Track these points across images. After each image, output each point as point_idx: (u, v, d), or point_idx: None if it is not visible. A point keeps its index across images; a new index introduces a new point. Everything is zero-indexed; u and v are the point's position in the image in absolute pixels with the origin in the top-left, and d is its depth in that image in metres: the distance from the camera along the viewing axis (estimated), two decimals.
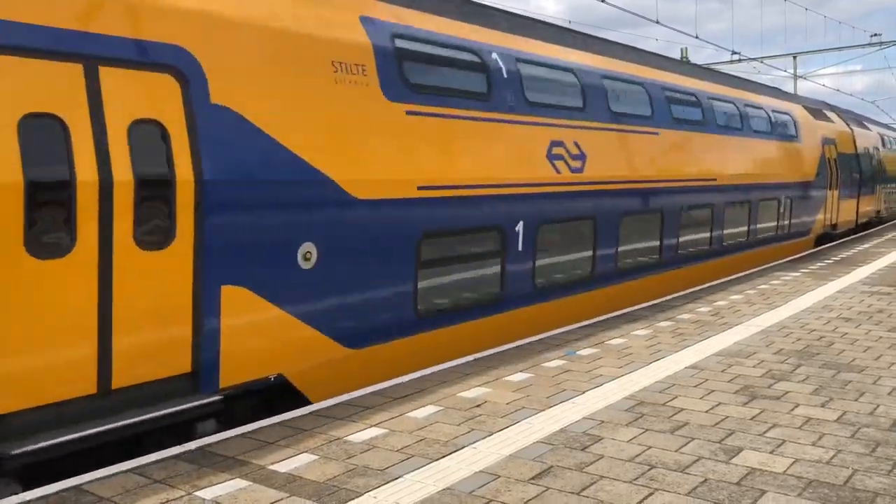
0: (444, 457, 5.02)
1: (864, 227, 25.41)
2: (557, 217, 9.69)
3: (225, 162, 6.00)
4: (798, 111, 19.66)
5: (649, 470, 4.79)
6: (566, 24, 20.09)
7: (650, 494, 4.42)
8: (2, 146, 4.82)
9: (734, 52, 37.35)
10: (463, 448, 5.17)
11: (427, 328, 7.88)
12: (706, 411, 5.95)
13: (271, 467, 4.86)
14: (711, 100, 14.49)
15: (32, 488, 4.71)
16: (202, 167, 5.83)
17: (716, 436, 5.40)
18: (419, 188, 7.64)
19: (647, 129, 11.82)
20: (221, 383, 6.02)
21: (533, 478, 4.67)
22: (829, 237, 20.84)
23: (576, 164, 9.97)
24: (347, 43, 7.19)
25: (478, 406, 6.10)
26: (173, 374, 5.75)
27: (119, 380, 5.43)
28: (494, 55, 9.05)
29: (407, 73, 7.76)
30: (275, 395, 6.61)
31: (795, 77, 42.90)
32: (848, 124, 23.86)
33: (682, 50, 37.24)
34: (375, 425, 5.63)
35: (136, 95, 5.54)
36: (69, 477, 4.86)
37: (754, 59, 37.35)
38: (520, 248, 9.04)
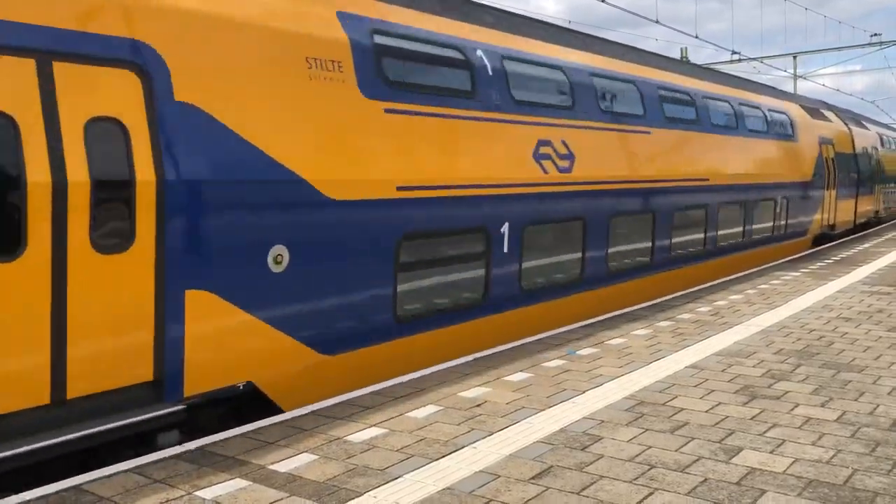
0: (444, 456, 5.02)
1: (862, 228, 25.23)
2: (545, 218, 9.49)
3: (189, 162, 5.78)
4: (795, 110, 19.43)
5: (649, 470, 4.79)
6: (566, 24, 20.02)
7: (650, 494, 4.42)
8: None
9: (734, 52, 37.38)
10: (463, 448, 5.17)
11: (408, 333, 7.66)
12: (706, 411, 5.95)
13: (271, 467, 4.86)
14: (705, 98, 14.26)
15: None
16: (164, 167, 5.60)
17: (716, 435, 5.40)
18: (399, 189, 7.40)
19: (638, 128, 11.61)
20: (186, 392, 5.78)
21: (533, 477, 4.67)
22: (827, 238, 20.70)
23: (564, 163, 9.75)
24: (323, 39, 6.96)
25: (478, 406, 6.10)
26: (134, 383, 5.52)
27: (75, 389, 5.21)
28: (479, 52, 8.83)
29: (386, 71, 7.55)
30: (244, 403, 6.39)
31: (795, 77, 42.91)
32: (846, 124, 23.69)
33: (681, 50, 37.24)
34: (375, 425, 5.63)
35: (93, 92, 5.30)
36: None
37: (754, 59, 37.36)
38: (505, 249, 8.83)
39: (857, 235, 22.61)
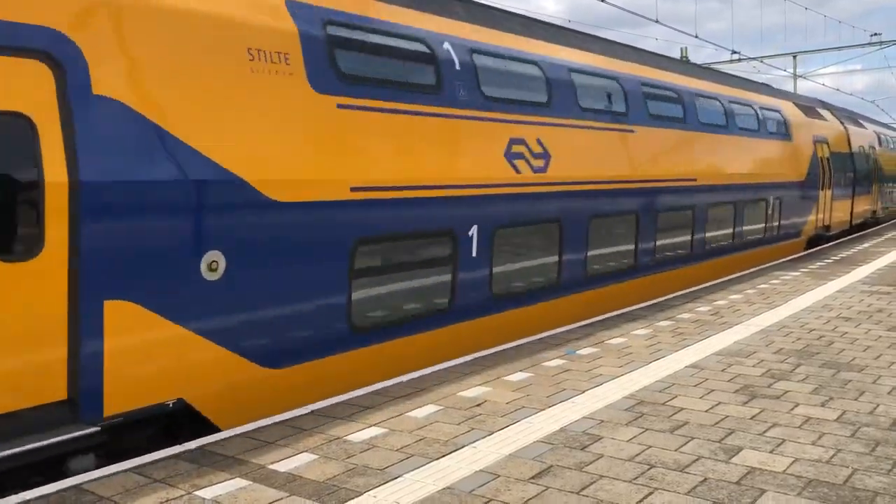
0: (443, 456, 5.02)
1: (859, 228, 24.94)
2: (517, 220, 9.05)
3: (109, 161, 5.30)
4: (788, 108, 18.99)
5: (649, 469, 4.79)
6: (566, 24, 19.91)
7: (650, 494, 4.42)
8: None
9: (734, 52, 37.38)
10: (463, 447, 5.17)
11: (365, 343, 7.22)
12: (706, 411, 5.95)
13: (271, 467, 4.86)
14: (694, 96, 13.82)
15: None
16: (79, 167, 5.13)
17: (715, 435, 5.40)
18: (353, 189, 6.94)
19: (620, 126, 11.17)
20: (106, 411, 5.32)
21: (533, 477, 4.68)
22: (822, 239, 20.42)
23: (538, 163, 9.32)
24: (267, 28, 6.48)
25: (478, 405, 6.10)
26: (44, 403, 5.04)
27: None
28: (446, 45, 8.34)
29: (340, 63, 7.06)
30: (176, 422, 5.95)
31: (795, 76, 42.91)
32: (842, 122, 23.38)
33: (681, 49, 37.23)
34: (375, 425, 5.63)
35: None
36: None
37: (754, 59, 37.36)
38: (474, 254, 8.36)
39: (853, 236, 22.38)
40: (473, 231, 8.33)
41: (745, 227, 15.57)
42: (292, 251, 6.49)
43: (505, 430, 5.53)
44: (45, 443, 4.90)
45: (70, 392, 5.17)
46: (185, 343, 5.78)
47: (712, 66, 34.22)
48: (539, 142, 9.36)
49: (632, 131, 11.41)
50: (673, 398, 6.29)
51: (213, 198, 5.90)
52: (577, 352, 7.86)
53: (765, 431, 5.47)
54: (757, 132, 16.28)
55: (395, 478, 4.67)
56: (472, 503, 4.32)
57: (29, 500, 4.37)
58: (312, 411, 5.97)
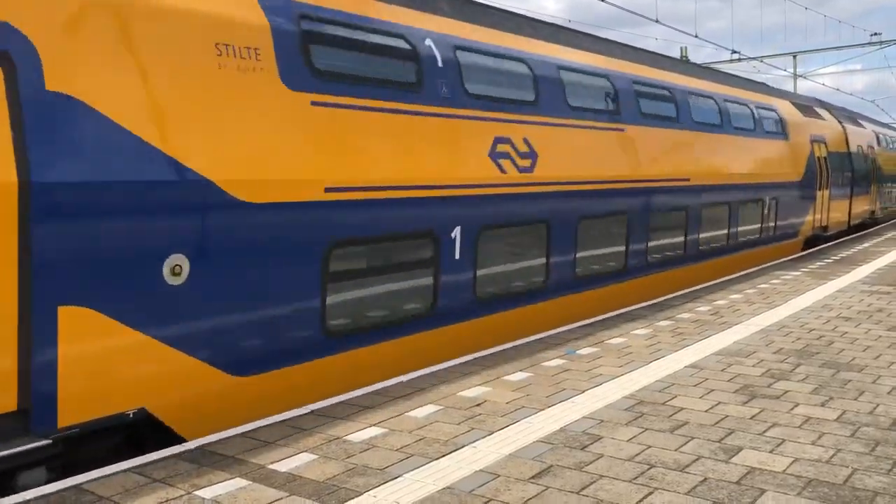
0: (443, 456, 5.02)
1: (858, 229, 24.71)
2: (503, 221, 8.79)
3: (64, 160, 5.07)
4: (785, 107, 18.66)
5: (649, 469, 4.79)
6: (566, 24, 19.86)
7: (650, 493, 4.42)
8: None
9: (734, 52, 37.39)
10: (463, 447, 5.17)
11: (340, 349, 6.97)
12: (706, 410, 5.95)
13: (271, 466, 4.86)
14: (687, 94, 13.55)
15: None
16: (31, 167, 4.90)
17: (715, 435, 5.40)
18: (327, 190, 6.70)
19: (610, 125, 10.92)
20: (61, 422, 5.09)
21: (533, 477, 4.68)
22: (820, 239, 20.21)
23: (525, 163, 9.09)
24: (237, 23, 6.22)
25: (477, 405, 6.10)
26: None
27: None
28: (428, 41, 8.09)
29: (314, 59, 6.82)
30: (137, 433, 5.73)
31: (795, 76, 42.91)
32: (840, 122, 23.15)
33: (681, 49, 37.22)
34: (375, 424, 5.63)
35: None
36: None
37: (754, 59, 37.36)
38: (457, 256, 8.12)
39: (851, 237, 22.18)
40: (456, 233, 8.11)
41: (740, 228, 15.33)
42: (261, 254, 6.23)
43: (505, 429, 5.53)
44: None
45: (21, 403, 4.94)
46: (147, 350, 5.53)
47: (712, 65, 34.21)
48: (526, 141, 9.16)
49: (622, 130, 11.17)
50: (673, 398, 6.29)
51: (176, 199, 5.64)
52: (577, 352, 7.86)
53: (765, 431, 5.47)
54: (752, 131, 16.04)
55: (395, 478, 4.67)
56: (472, 503, 4.32)
57: (29, 500, 4.37)
58: (312, 411, 5.97)
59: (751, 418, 5.76)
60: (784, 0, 36.45)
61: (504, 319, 8.97)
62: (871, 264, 15.28)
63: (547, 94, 9.73)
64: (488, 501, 4.34)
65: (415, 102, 7.75)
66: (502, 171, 8.74)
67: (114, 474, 4.72)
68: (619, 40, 13.39)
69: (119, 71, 5.43)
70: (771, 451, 5.08)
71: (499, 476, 4.69)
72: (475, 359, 7.57)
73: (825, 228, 20.59)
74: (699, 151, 13.54)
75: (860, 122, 27.20)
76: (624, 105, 11.40)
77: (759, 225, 16.23)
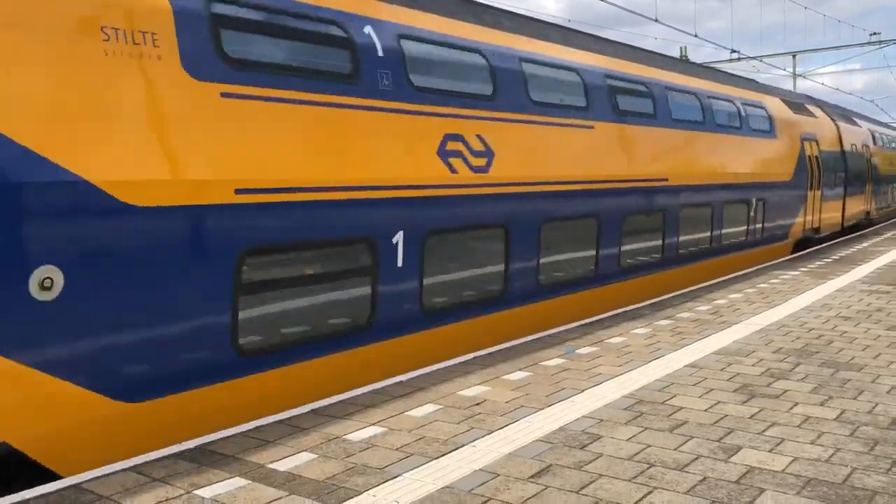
0: (443, 455, 5.02)
1: (852, 230, 24.16)
2: (454, 225, 8.13)
3: None
4: (774, 104, 17.94)
5: (648, 468, 4.79)
6: (565, 23, 19.81)
7: (649, 493, 4.42)
8: None
9: (733, 51, 37.44)
10: (462, 446, 5.17)
11: (255, 369, 6.31)
12: (705, 410, 5.96)
13: (270, 466, 4.86)
14: (665, 90, 12.82)
15: None
16: None
17: (715, 434, 5.40)
18: (238, 192, 6.02)
19: (578, 121, 10.21)
20: None
21: (532, 476, 4.68)
22: (811, 241, 19.60)
23: (479, 162, 8.42)
24: (129, 4, 5.56)
25: (477, 405, 6.10)
26: None
27: None
28: (367, 29, 7.41)
29: (226, 46, 6.15)
30: (3, 469, 5.07)
31: (795, 76, 42.93)
32: (833, 120, 22.57)
33: (681, 48, 37.27)
34: (374, 424, 5.63)
35: None
36: None
37: (753, 58, 37.39)
38: (399, 264, 7.47)
39: (845, 238, 21.74)
40: (398, 238, 7.45)
41: (723, 231, 14.67)
42: (155, 264, 5.54)
43: (504, 429, 5.53)
44: None
45: None
46: (10, 376, 4.85)
47: (711, 65, 34.21)
48: (480, 138, 8.49)
49: (591, 128, 10.48)
50: (672, 397, 6.29)
51: (45, 203, 4.96)
52: (577, 351, 7.86)
53: (764, 431, 5.48)
54: (738, 129, 15.39)
55: (395, 477, 4.67)
56: (472, 502, 4.32)
57: (28, 500, 4.37)
58: (312, 410, 5.97)
59: (750, 418, 5.77)
60: (783, 0, 36.51)
61: (456, 331, 8.33)
62: (871, 264, 15.28)
63: (506, 89, 9.06)
64: (488, 500, 4.34)
65: (349, 95, 7.06)
66: (453, 170, 8.09)
67: (113, 473, 4.73)
68: (618, 40, 13.12)
69: None
70: (770, 451, 5.08)
71: (498, 475, 4.69)
72: (475, 358, 7.57)
73: (817, 230, 20.11)
74: (678, 150, 12.90)
75: (855, 120, 26.66)
76: (594, 101, 10.71)
77: (744, 227, 15.62)
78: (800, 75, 44.40)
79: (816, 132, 20.04)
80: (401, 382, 6.72)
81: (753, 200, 15.81)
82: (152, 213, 5.49)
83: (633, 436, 5.38)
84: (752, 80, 18.93)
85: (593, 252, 10.64)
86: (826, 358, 7.58)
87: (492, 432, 5.46)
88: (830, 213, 21.18)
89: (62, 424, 5.17)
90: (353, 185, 6.98)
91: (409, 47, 7.90)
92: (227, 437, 5.40)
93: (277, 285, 6.51)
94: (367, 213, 7.13)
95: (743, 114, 15.79)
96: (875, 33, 39.16)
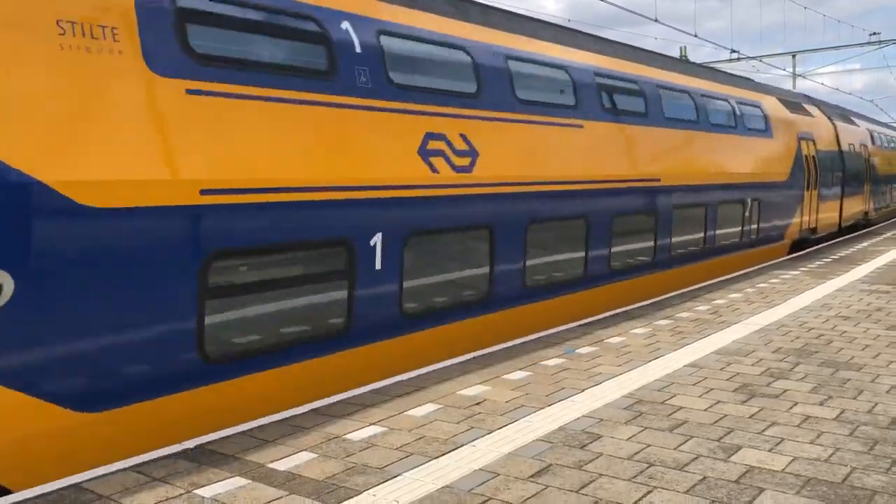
0: (443, 455, 5.02)
1: (850, 231, 23.92)
2: (435, 227, 7.89)
3: None
4: (769, 103, 17.68)
5: (648, 468, 4.79)
6: (565, 23, 19.79)
7: (649, 492, 4.42)
8: None
9: (733, 51, 37.44)
10: (462, 446, 5.18)
11: (225, 376, 6.09)
12: (705, 409, 5.96)
13: (270, 465, 4.86)
14: (658, 88, 12.56)
15: None
16: None
17: (714, 434, 5.40)
18: (204, 192, 5.78)
19: (566, 120, 9.97)
20: None
21: (532, 476, 4.68)
22: (808, 242, 19.33)
23: (462, 161, 8.19)
24: None
25: (477, 404, 6.10)
26: None
27: None
28: (345, 24, 7.17)
29: (192, 40, 5.93)
30: None
31: (794, 75, 42.95)
32: (831, 119, 22.33)
33: (681, 48, 37.27)
34: (374, 423, 5.63)
35: None
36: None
37: (753, 58, 37.39)
38: (378, 267, 7.23)
39: (844, 238, 21.52)
40: (377, 240, 7.21)
41: (717, 232, 14.40)
42: (114, 268, 5.30)
43: (504, 428, 5.53)
44: None
45: None
46: None
47: (711, 65, 34.22)
48: (464, 137, 8.26)
49: (580, 126, 10.24)
50: (672, 397, 6.29)
51: None
52: (576, 351, 7.86)
53: (763, 430, 5.48)
54: (733, 128, 15.10)
55: (395, 476, 4.67)
56: (472, 502, 4.32)
57: (28, 499, 4.37)
58: (312, 409, 5.97)
59: (750, 417, 5.77)
60: (783, 0, 36.52)
61: (439, 335, 8.10)
62: (870, 263, 15.29)
63: (491, 86, 8.82)
64: (487, 500, 4.34)
65: (324, 92, 6.83)
66: (434, 170, 7.85)
67: (113, 473, 4.73)
68: (618, 40, 12.99)
69: None
70: (770, 450, 5.08)
71: (498, 475, 4.69)
72: (474, 357, 7.57)
73: (814, 230, 19.87)
74: (671, 150, 12.65)
75: (853, 119, 26.38)
76: (583, 99, 10.45)
77: (739, 228, 15.36)
78: (800, 75, 44.41)
79: (813, 132, 19.84)
80: (401, 382, 6.72)
81: (748, 201, 15.62)
82: (110, 216, 5.26)
83: (633, 435, 5.38)
84: (748, 79, 18.71)
85: (582, 254, 10.43)
86: (826, 357, 7.58)
87: (492, 432, 5.46)
88: (827, 214, 20.99)
89: (11, 437, 4.96)
90: (327, 185, 6.75)
91: (389, 44, 7.69)
92: (227, 436, 5.40)
93: (247, 290, 6.29)
94: (342, 215, 6.90)
95: (738, 113, 15.57)
96: (875, 33, 39.16)
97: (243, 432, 5.48)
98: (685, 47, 36.29)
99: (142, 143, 5.48)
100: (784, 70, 41.52)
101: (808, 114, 20.32)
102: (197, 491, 4.48)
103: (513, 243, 9.03)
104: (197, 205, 5.76)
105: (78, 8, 5.27)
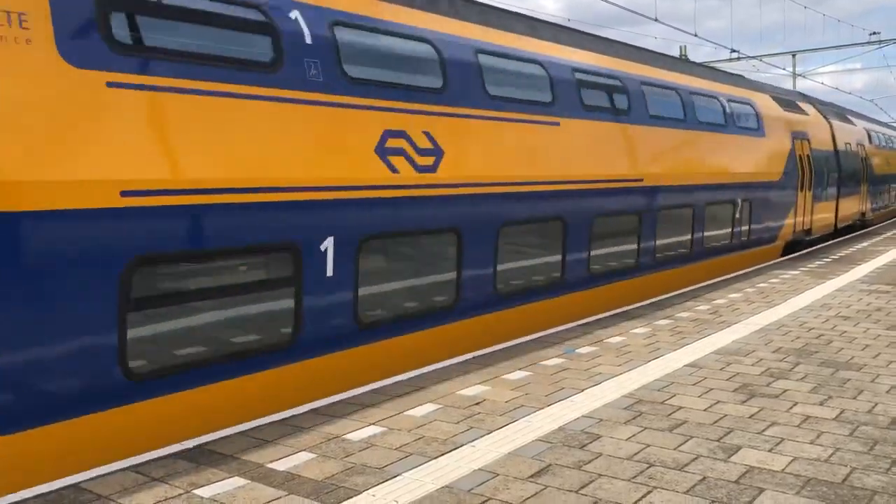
0: (442, 455, 5.02)
1: (846, 231, 23.60)
2: (395, 229, 7.47)
3: None
4: (762, 101, 17.24)
5: (648, 468, 4.79)
6: (565, 23, 19.76)
7: (649, 492, 4.42)
8: None
9: (733, 50, 37.42)
10: (462, 446, 5.17)
11: (149, 395, 5.63)
12: (705, 409, 5.96)
13: (269, 465, 4.85)
14: (642, 85, 12.11)
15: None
16: None
17: (714, 434, 5.40)
18: (125, 194, 5.32)
19: (541, 117, 9.55)
20: None
21: (532, 476, 4.67)
22: (802, 244, 18.95)
23: (425, 161, 7.75)
24: None
25: (477, 404, 6.09)
26: None
27: None
28: (294, 13, 6.74)
29: (115, 29, 5.45)
30: None
31: (794, 75, 42.96)
32: (826, 118, 22.00)
33: (681, 48, 37.28)
34: (374, 423, 5.63)
35: None
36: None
37: (753, 58, 37.41)
38: (329, 273, 6.79)
39: (842, 239, 21.27)
40: (328, 245, 6.77)
41: (705, 234, 13.94)
42: (20, 277, 4.89)
43: (504, 428, 5.53)
44: None
45: None
46: None
47: (711, 64, 34.22)
48: (428, 135, 7.81)
49: (556, 124, 9.81)
50: (672, 397, 6.29)
51: None
52: (576, 350, 7.86)
53: (763, 430, 5.47)
54: (723, 127, 14.63)
55: (394, 476, 4.67)
56: (471, 502, 4.32)
57: (27, 499, 4.37)
58: (311, 409, 5.96)
59: (749, 417, 5.77)
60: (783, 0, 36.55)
61: (399, 345, 7.69)
62: (870, 263, 15.29)
63: (459, 81, 8.35)
64: (487, 500, 4.33)
65: (268, 86, 6.39)
66: (394, 170, 7.42)
67: (112, 473, 4.72)
68: (618, 39, 12.79)
69: None
70: (770, 450, 5.08)
71: (498, 475, 4.69)
72: (474, 357, 7.57)
73: (808, 232, 19.54)
74: (655, 149, 12.15)
75: (849, 118, 26.00)
76: (560, 96, 10.00)
77: (728, 230, 14.98)
78: (799, 75, 44.44)
79: (808, 130, 19.53)
80: (400, 382, 6.72)
81: (739, 201, 15.22)
82: (16, 221, 4.83)
83: (633, 435, 5.38)
84: (740, 76, 18.43)
85: (559, 257, 10.01)
86: (825, 357, 7.58)
87: (491, 432, 5.45)
88: (823, 215, 20.70)
89: None
90: (270, 185, 6.30)
91: (345, 35, 7.23)
92: (226, 436, 5.39)
93: (176, 300, 5.81)
94: (288, 218, 6.43)
95: (728, 111, 15.13)
96: (875, 33, 39.18)
97: (242, 432, 5.47)
98: (685, 47, 36.30)
99: (54, 141, 5.05)
100: (784, 69, 41.58)
101: (802, 112, 20.05)
102: (196, 491, 4.47)
103: (482, 247, 8.61)
104: (116, 207, 5.31)
105: None
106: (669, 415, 5.83)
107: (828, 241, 21.06)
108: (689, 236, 13.40)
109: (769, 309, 10.21)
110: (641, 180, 11.61)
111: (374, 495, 4.39)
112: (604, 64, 11.45)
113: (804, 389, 6.49)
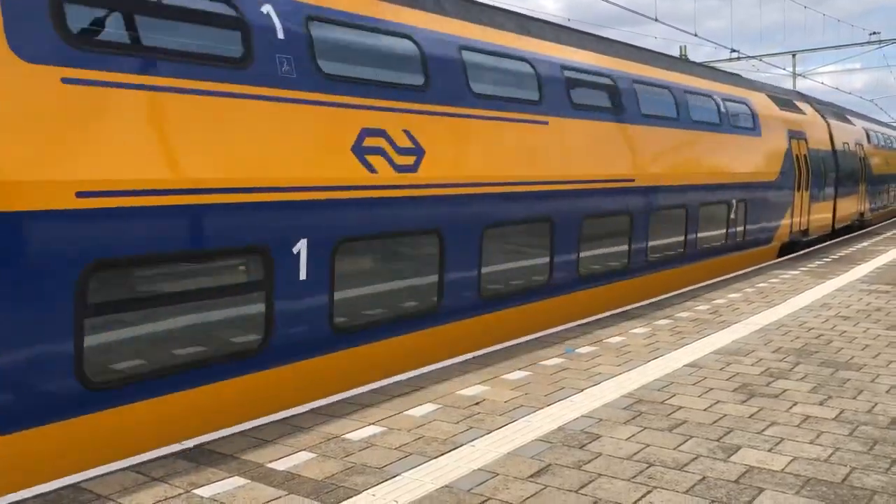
0: (442, 455, 5.02)
1: (844, 232, 23.40)
2: (373, 231, 7.24)
3: None
4: (758, 100, 17.00)
5: (647, 468, 4.79)
6: (565, 23, 19.74)
7: (648, 492, 4.42)
8: None
9: (733, 50, 37.45)
10: (461, 446, 5.17)
11: (108, 404, 5.39)
12: (704, 409, 5.96)
13: (269, 465, 4.85)
14: (633, 83, 11.89)
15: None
16: None
17: (714, 434, 5.40)
18: (81, 195, 5.10)
19: (528, 116, 9.32)
20: None
21: (531, 476, 4.68)
22: (799, 245, 18.75)
23: (405, 160, 7.53)
24: None
25: (476, 404, 6.09)
26: None
27: None
28: (266, 7, 6.51)
29: (70, 22, 5.23)
30: None
31: (794, 75, 42.96)
32: (824, 117, 21.80)
33: (681, 48, 37.28)
34: (374, 423, 5.63)
35: None
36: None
37: (753, 58, 37.41)
38: (303, 276, 6.56)
39: (840, 239, 21.12)
40: (300, 247, 6.54)
41: (698, 235, 13.72)
42: None
43: (503, 428, 5.53)
44: None
45: None
46: None
47: (711, 64, 34.21)
48: (408, 134, 7.60)
49: (544, 123, 9.58)
50: (671, 397, 6.29)
51: None
52: (576, 350, 7.86)
53: (763, 430, 5.48)
54: (717, 126, 14.41)
55: (394, 476, 4.67)
56: (471, 502, 4.32)
57: (26, 499, 4.37)
58: (311, 409, 5.96)
59: (749, 417, 5.77)
60: None
61: (377, 352, 7.46)
62: (870, 263, 15.29)
63: (441, 79, 8.12)
64: (487, 500, 4.34)
65: (237, 83, 6.15)
66: (372, 170, 7.19)
67: (112, 473, 4.72)
68: (618, 39, 12.70)
69: None
70: (769, 450, 5.08)
71: (497, 475, 4.69)
72: (474, 357, 7.57)
73: (805, 232, 19.32)
74: (648, 148, 11.95)
75: (848, 117, 25.79)
76: (549, 94, 9.77)
77: (723, 231, 14.73)
78: (799, 75, 44.44)
79: (805, 130, 19.34)
80: (399, 382, 6.72)
81: (734, 202, 15.02)
82: None
83: (633, 435, 5.38)
84: (736, 75, 18.28)
85: (546, 259, 9.76)
86: (825, 357, 7.58)
87: (491, 432, 5.45)
88: (820, 215, 20.51)
89: None
90: (238, 186, 6.06)
91: (319, 31, 6.98)
92: (226, 436, 5.39)
93: (137, 305, 5.58)
94: (257, 219, 6.20)
95: (723, 110, 14.89)
96: (875, 33, 39.18)
97: (242, 432, 5.47)
98: (685, 46, 36.30)
99: (6, 140, 4.81)
100: (784, 69, 41.60)
101: (800, 111, 19.87)
102: (196, 491, 4.47)
103: (466, 249, 8.35)
104: (72, 209, 5.08)
105: None
106: (669, 415, 5.83)
107: (825, 241, 20.96)
108: (682, 237, 13.23)
109: (769, 309, 10.21)
110: (633, 180, 11.44)
111: (373, 495, 4.39)
112: (595, 62, 11.25)
113: (804, 389, 6.49)
